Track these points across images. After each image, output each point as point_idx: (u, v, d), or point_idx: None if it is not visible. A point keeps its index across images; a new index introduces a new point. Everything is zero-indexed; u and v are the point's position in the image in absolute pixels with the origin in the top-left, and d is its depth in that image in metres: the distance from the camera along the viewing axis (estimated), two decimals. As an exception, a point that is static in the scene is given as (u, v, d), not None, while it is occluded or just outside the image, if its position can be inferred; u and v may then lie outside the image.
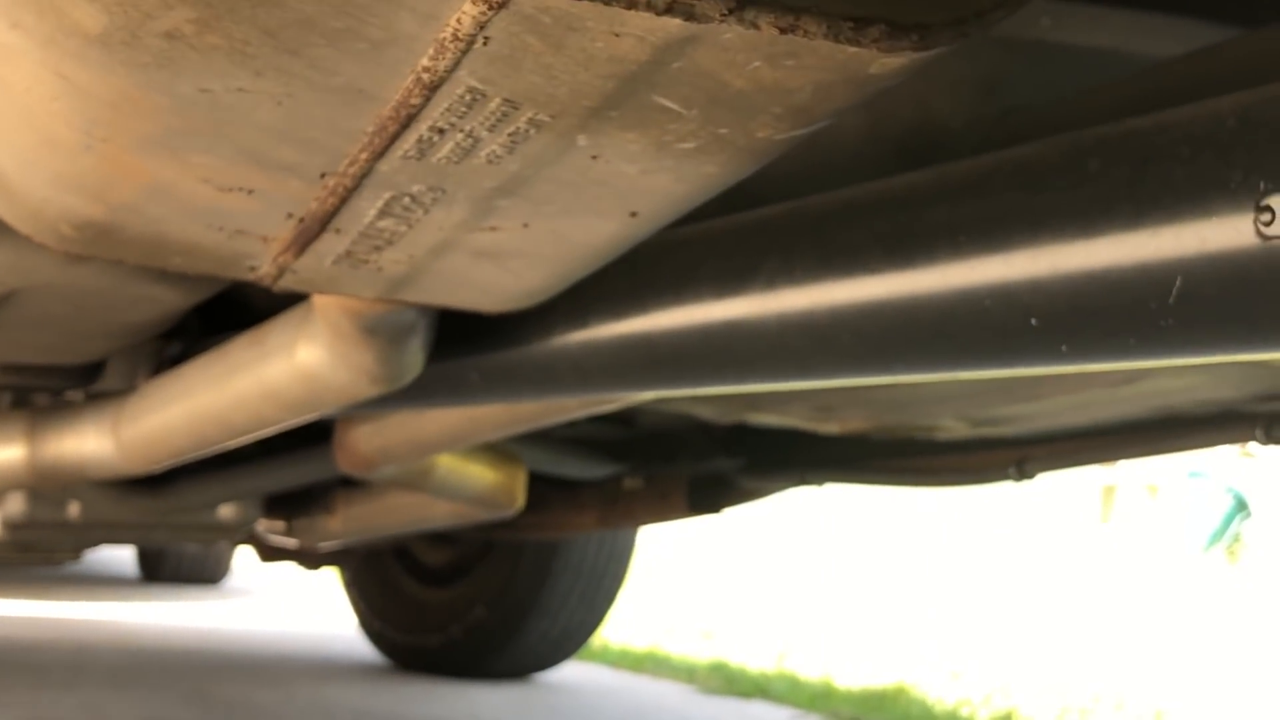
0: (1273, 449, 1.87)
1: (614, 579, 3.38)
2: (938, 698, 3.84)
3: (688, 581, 7.71)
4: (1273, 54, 0.97)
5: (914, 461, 2.25)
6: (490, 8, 0.56)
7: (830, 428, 2.18)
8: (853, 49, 0.59)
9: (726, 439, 2.48)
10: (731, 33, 0.58)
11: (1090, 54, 1.20)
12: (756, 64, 0.61)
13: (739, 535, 10.05)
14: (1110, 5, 1.11)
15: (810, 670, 4.23)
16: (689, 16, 0.57)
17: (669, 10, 0.57)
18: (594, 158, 0.72)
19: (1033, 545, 10.75)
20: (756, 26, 0.58)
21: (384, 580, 3.64)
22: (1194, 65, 1.01)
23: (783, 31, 0.58)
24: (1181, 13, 1.11)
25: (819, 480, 2.39)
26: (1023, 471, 2.08)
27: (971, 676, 4.35)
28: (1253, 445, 1.93)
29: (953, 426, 2.12)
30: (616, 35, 0.58)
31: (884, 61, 0.60)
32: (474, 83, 0.64)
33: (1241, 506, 10.81)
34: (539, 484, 2.66)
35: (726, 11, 0.57)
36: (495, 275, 0.97)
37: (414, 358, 1.28)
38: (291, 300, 1.41)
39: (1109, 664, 5.01)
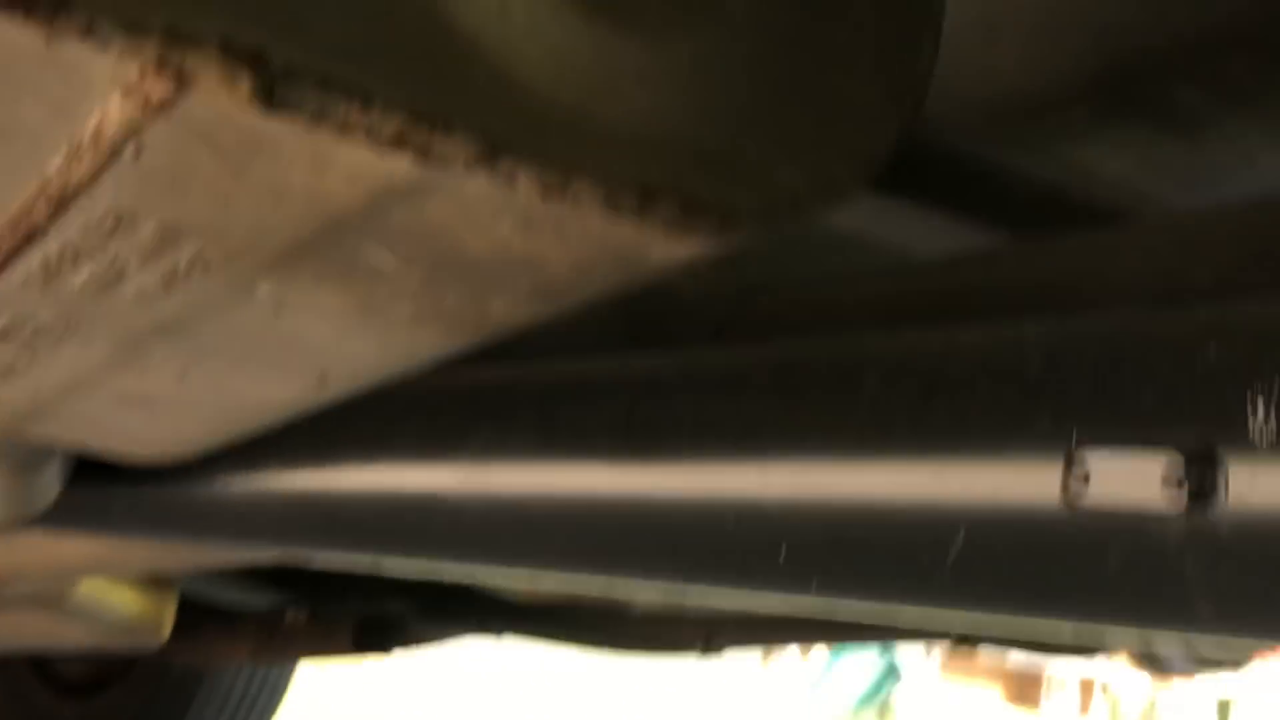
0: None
1: (263, 712, 3.13)
2: None
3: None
4: (1038, 271, 0.88)
5: (602, 627, 2.13)
6: (147, 109, 0.40)
7: (519, 586, 2.03)
8: (632, 227, 0.44)
9: (402, 580, 2.31)
10: (478, 186, 0.43)
11: (843, 239, 1.11)
12: (505, 229, 0.46)
13: (413, 677, 9.71)
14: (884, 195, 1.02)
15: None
16: (423, 155, 0.42)
17: (397, 144, 0.41)
18: (278, 311, 0.56)
19: (694, 688, 10.76)
20: (512, 183, 0.43)
21: (15, 688, 3.30)
22: (970, 271, 0.92)
23: (546, 195, 0.43)
24: (954, 214, 1.03)
25: (497, 632, 2.25)
26: (709, 647, 2.01)
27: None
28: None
29: (646, 596, 2.00)
30: (320, 170, 0.42)
31: (669, 248, 0.46)
32: (122, 200, 0.47)
33: (892, 671, 11.12)
34: (193, 608, 2.42)
35: (475, 158, 0.42)
36: (143, 424, 0.78)
37: (44, 490, 1.08)
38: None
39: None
